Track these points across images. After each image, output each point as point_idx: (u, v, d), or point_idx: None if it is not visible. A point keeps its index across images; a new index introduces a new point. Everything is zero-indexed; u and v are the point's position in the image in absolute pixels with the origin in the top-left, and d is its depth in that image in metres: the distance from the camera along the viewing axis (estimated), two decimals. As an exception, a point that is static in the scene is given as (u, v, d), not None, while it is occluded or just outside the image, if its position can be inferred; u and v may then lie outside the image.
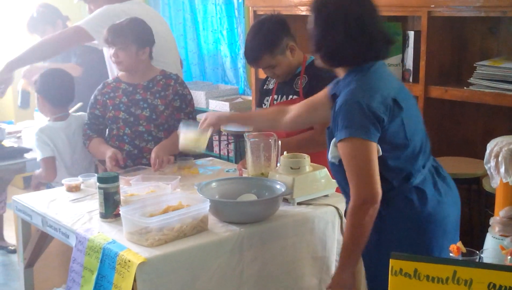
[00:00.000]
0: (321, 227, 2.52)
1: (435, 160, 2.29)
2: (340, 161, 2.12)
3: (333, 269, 2.53)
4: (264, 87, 3.16)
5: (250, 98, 5.17)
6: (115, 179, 2.44)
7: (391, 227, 2.15)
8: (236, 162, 4.51)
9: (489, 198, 3.27)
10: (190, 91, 3.29)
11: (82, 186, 2.87)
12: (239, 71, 6.20)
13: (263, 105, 3.12)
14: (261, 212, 2.39)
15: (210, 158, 3.51)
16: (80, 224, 2.44)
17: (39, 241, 2.81)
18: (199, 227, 2.29)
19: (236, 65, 6.21)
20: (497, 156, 2.10)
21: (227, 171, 3.12)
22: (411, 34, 3.82)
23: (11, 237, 4.53)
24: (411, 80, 3.82)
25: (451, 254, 1.74)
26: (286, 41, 2.90)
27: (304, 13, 4.25)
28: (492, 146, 2.15)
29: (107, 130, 3.29)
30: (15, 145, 3.87)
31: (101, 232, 2.34)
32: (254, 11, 4.61)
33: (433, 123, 3.66)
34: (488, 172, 2.16)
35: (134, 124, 3.16)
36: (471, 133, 3.84)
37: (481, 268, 1.48)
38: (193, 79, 6.72)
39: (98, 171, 3.40)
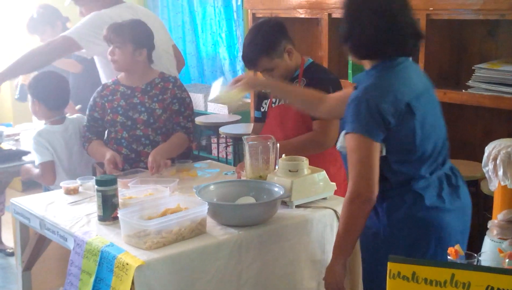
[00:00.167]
0: (320, 230, 2.51)
1: (453, 169, 2.26)
2: None
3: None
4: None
5: (248, 100, 5.17)
6: (113, 182, 2.44)
7: (387, 227, 2.16)
8: (234, 165, 4.51)
9: (487, 201, 3.27)
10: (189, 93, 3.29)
11: (80, 189, 2.86)
12: (238, 74, 6.20)
13: (261, 108, 3.12)
14: (260, 215, 2.39)
15: (209, 160, 3.51)
16: (78, 227, 2.44)
17: (37, 244, 2.80)
18: (198, 230, 2.29)
19: (234, 68, 6.22)
20: (495, 159, 2.10)
21: (225, 173, 3.11)
22: (410, 36, 3.82)
23: (9, 240, 4.53)
24: (410, 82, 3.82)
25: (449, 257, 1.74)
26: (284, 44, 2.90)
27: (302, 15, 4.25)
28: (490, 149, 2.14)
29: (106, 132, 3.29)
30: (14, 148, 3.87)
31: (99, 235, 2.34)
32: (253, 14, 4.62)
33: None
34: (486, 175, 2.15)
35: (132, 128, 3.16)
36: (469, 135, 3.84)
37: (479, 271, 1.47)
38: (191, 82, 6.72)
39: (96, 174, 3.39)
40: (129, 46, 3.08)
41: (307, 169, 2.59)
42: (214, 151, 6.00)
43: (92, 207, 2.57)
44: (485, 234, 2.19)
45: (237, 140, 5.34)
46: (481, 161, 2.16)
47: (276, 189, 2.49)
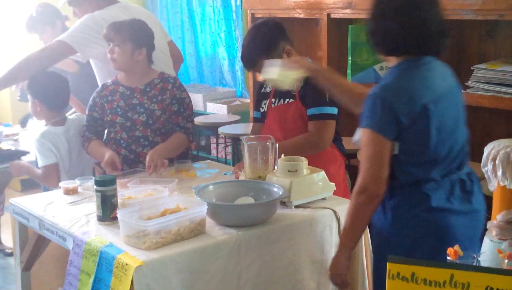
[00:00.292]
0: (319, 230, 2.51)
1: (470, 174, 2.25)
2: None
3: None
4: (262, 90, 3.15)
5: (248, 100, 5.17)
6: (112, 182, 2.44)
7: (391, 224, 2.17)
8: (233, 165, 4.51)
9: (486, 201, 3.27)
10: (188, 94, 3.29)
11: (79, 189, 2.86)
12: (237, 74, 6.20)
13: (261, 108, 3.12)
14: (259, 215, 2.39)
15: (208, 161, 3.51)
16: (77, 227, 2.44)
17: (36, 244, 2.80)
18: (197, 230, 2.29)
19: (233, 68, 6.22)
20: (494, 159, 2.10)
21: (224, 174, 3.11)
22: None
23: (8, 240, 4.53)
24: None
25: (448, 258, 1.74)
26: (282, 45, 2.90)
27: (301, 16, 4.25)
28: (489, 149, 2.14)
29: (105, 132, 3.28)
30: (13, 148, 3.87)
31: (98, 235, 2.34)
32: (252, 14, 4.61)
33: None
34: (486, 175, 2.15)
35: (131, 129, 3.16)
36: (468, 136, 3.83)
37: (479, 271, 1.48)
38: (190, 82, 6.72)
39: (96, 174, 3.39)
40: (128, 45, 3.07)
41: (306, 169, 2.59)
42: (213, 151, 6.00)
43: (91, 207, 2.57)
44: (484, 235, 2.19)
45: (236, 140, 5.34)
46: (480, 162, 2.16)
47: (275, 189, 2.49)
